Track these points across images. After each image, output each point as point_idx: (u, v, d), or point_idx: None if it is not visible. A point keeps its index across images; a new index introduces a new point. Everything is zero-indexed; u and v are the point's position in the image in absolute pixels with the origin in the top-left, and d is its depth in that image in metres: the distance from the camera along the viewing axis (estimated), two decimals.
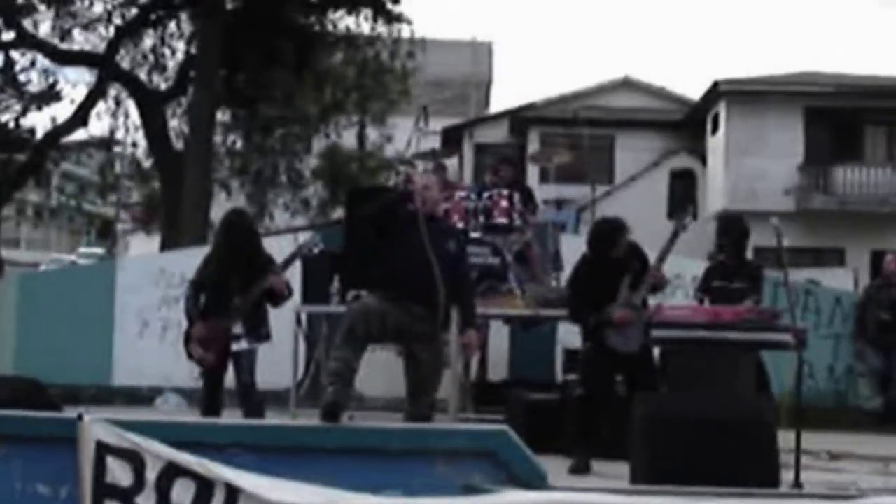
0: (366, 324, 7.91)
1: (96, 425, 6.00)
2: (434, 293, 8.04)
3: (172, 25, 26.88)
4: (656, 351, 9.57)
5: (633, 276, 9.48)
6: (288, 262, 9.88)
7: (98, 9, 26.75)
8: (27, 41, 26.04)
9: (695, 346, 8.98)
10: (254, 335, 9.57)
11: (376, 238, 8.33)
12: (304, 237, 12.27)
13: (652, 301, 9.70)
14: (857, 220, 30.48)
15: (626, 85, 38.64)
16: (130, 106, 27.13)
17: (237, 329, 9.51)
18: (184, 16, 26.55)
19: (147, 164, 29.20)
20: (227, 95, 25.17)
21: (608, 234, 9.66)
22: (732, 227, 11.36)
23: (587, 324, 9.62)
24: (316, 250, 9.88)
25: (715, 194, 32.63)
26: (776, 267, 9.80)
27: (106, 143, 30.06)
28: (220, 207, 24.56)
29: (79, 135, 28.86)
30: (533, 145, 32.74)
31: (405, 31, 26.39)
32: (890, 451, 10.39)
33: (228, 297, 9.51)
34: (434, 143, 23.10)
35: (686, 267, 13.72)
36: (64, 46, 26.78)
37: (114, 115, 27.85)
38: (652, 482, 7.10)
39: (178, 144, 25.86)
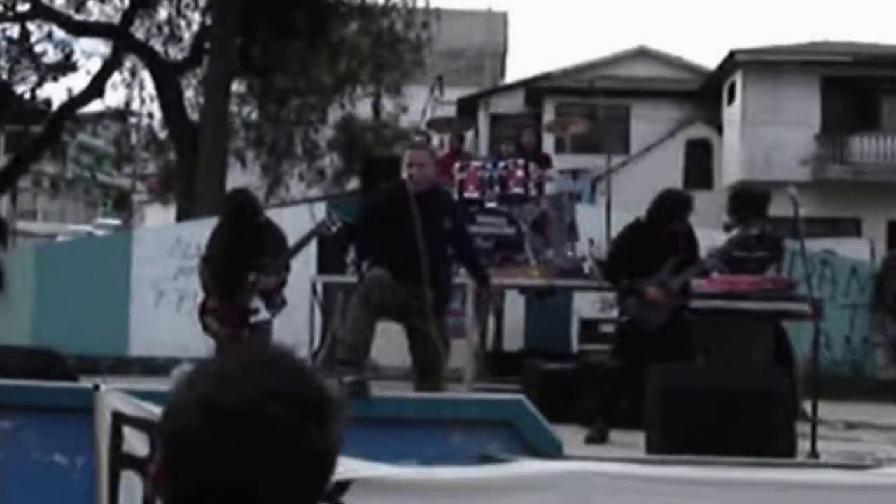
0: (380, 292, 7.95)
1: (113, 395, 6.02)
2: (419, 274, 8.16)
3: None
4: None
5: (679, 261, 9.17)
6: (305, 240, 9.89)
7: None
8: (43, 12, 26.00)
9: (711, 316, 8.96)
10: (270, 305, 9.60)
11: (380, 222, 8.56)
12: (319, 209, 12.24)
13: None
14: (873, 189, 30.36)
15: (642, 54, 38.49)
16: (146, 77, 27.10)
17: (254, 303, 9.54)
18: None
19: (162, 135, 29.18)
20: (243, 66, 25.09)
21: (677, 207, 9.35)
22: (757, 199, 10.65)
23: (620, 286, 9.37)
24: (334, 229, 9.84)
25: (731, 164, 32.52)
26: (792, 237, 9.72)
27: (121, 115, 30.09)
28: (235, 178, 24.60)
29: (94, 106, 28.94)
30: (548, 115, 32.58)
31: (420, 1, 26.39)
32: None
33: (241, 271, 9.52)
34: (449, 113, 23.01)
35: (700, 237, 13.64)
36: (79, 17, 26.74)
37: (129, 87, 27.86)
38: (667, 452, 7.10)
39: (194, 115, 25.83)
